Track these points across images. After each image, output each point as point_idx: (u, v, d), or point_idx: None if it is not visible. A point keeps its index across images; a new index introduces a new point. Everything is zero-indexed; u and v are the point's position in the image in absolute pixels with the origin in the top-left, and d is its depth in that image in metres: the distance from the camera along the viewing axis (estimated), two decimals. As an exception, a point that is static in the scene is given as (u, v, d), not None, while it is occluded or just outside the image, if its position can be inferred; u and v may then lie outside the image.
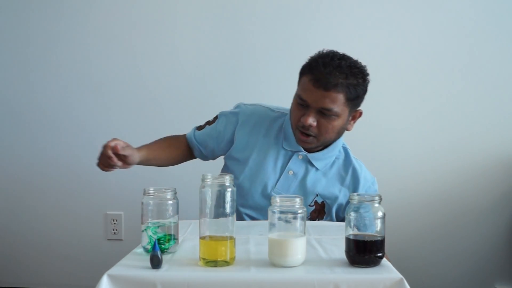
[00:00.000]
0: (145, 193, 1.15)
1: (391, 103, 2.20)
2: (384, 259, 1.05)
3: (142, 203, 1.15)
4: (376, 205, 1.05)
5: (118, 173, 2.28)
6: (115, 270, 1.01)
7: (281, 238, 1.02)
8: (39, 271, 2.32)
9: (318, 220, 1.55)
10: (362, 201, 1.05)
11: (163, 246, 1.13)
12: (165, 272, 1.00)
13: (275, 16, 2.21)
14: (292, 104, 1.49)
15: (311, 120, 1.41)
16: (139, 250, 1.17)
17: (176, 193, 1.18)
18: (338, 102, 1.40)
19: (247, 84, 2.21)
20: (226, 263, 1.03)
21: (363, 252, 1.02)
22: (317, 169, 1.53)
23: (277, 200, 1.05)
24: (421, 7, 2.18)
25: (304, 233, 1.04)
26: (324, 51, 1.46)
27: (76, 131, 2.28)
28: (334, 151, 1.54)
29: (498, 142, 2.18)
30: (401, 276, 0.96)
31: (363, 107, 2.25)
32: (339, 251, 1.12)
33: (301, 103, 1.44)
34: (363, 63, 1.48)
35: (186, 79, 2.23)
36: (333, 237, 1.29)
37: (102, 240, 2.29)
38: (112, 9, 2.25)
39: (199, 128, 1.62)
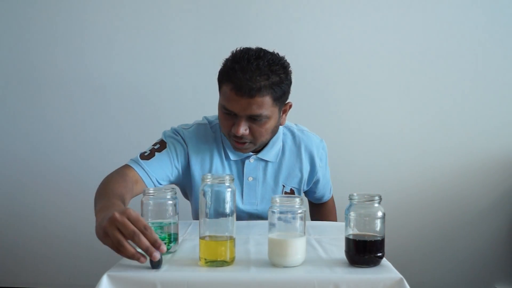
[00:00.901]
0: (145, 193, 1.15)
1: (391, 103, 2.20)
2: (384, 259, 1.05)
3: (142, 203, 1.15)
4: (376, 205, 1.05)
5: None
6: (115, 270, 1.01)
7: (281, 238, 1.02)
8: (39, 271, 2.32)
9: None
10: (362, 201, 1.05)
11: (163, 246, 1.13)
12: (165, 272, 1.00)
13: (275, 16, 2.21)
14: (219, 113, 1.41)
15: (243, 130, 1.35)
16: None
17: (176, 193, 1.18)
18: (265, 105, 1.33)
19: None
20: (226, 263, 1.03)
21: (363, 252, 1.02)
22: (271, 162, 1.52)
23: (277, 200, 1.05)
24: (421, 8, 2.18)
25: (304, 233, 1.04)
26: (238, 51, 1.37)
27: (76, 131, 2.29)
28: (278, 140, 1.52)
29: (498, 142, 2.18)
30: (401, 276, 0.96)
31: (364, 107, 2.26)
32: (339, 251, 1.12)
33: (227, 113, 1.37)
34: (281, 54, 1.40)
35: (186, 79, 2.23)
36: (333, 237, 1.29)
37: (102, 240, 2.29)
38: (112, 9, 2.25)
39: (146, 157, 1.43)
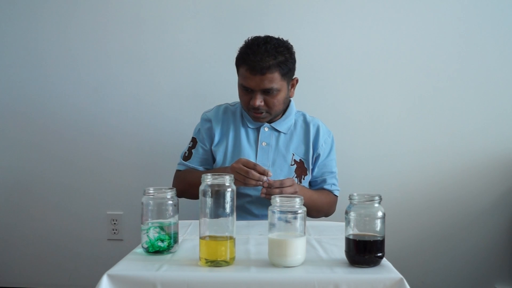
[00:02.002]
0: (145, 193, 1.15)
1: (391, 103, 2.20)
2: (384, 259, 1.05)
3: (142, 203, 1.15)
4: (376, 205, 1.05)
5: (118, 173, 2.29)
6: (115, 270, 1.01)
7: (281, 238, 1.02)
8: (39, 271, 2.32)
9: (304, 178, 1.74)
10: (362, 201, 1.05)
11: (163, 246, 1.13)
12: (165, 272, 1.00)
13: (275, 16, 2.21)
14: (239, 91, 1.71)
15: (259, 101, 1.63)
16: (139, 250, 1.17)
17: (176, 193, 1.18)
18: (275, 80, 1.62)
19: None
20: (226, 263, 1.03)
21: (363, 252, 1.02)
22: (284, 133, 1.76)
23: (277, 200, 1.05)
24: (421, 6, 2.18)
25: (304, 233, 1.04)
26: (249, 39, 1.68)
27: (77, 131, 2.28)
28: (291, 115, 1.78)
29: (498, 142, 2.18)
30: (401, 276, 0.96)
31: (364, 107, 2.26)
32: (339, 251, 1.12)
33: (245, 89, 1.66)
34: (285, 39, 1.71)
35: (187, 79, 2.23)
36: (333, 237, 1.29)
37: (102, 240, 2.29)
38: (113, 9, 2.25)
39: (187, 158, 1.79)
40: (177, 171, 1.81)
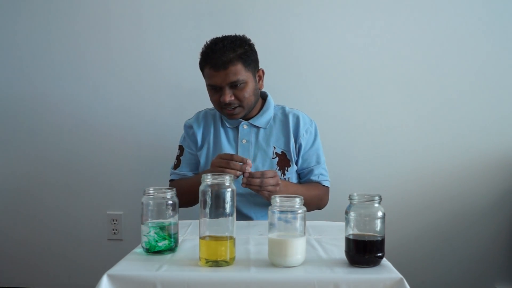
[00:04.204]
0: (145, 193, 1.15)
1: (391, 103, 2.20)
2: (384, 258, 1.05)
3: (142, 203, 1.15)
4: (376, 205, 1.05)
5: (118, 173, 2.29)
6: (115, 270, 1.01)
7: (281, 238, 1.02)
8: (39, 271, 2.32)
9: (287, 170, 1.74)
10: (362, 201, 1.05)
11: (163, 246, 1.13)
12: (165, 272, 1.00)
13: (275, 16, 2.21)
14: (208, 93, 1.73)
15: (228, 97, 1.64)
16: (139, 250, 1.17)
17: (176, 193, 1.18)
18: (240, 72, 1.64)
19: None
20: (226, 263, 1.03)
21: (363, 252, 1.02)
22: (263, 128, 1.77)
23: (277, 200, 1.05)
24: (421, 6, 2.18)
25: (304, 233, 1.04)
26: (207, 42, 1.71)
27: (77, 131, 2.28)
28: (269, 110, 1.79)
29: (498, 142, 2.18)
30: (401, 276, 0.96)
31: (364, 107, 2.26)
32: (339, 251, 1.12)
33: (214, 88, 1.68)
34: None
35: (187, 79, 2.23)
36: (333, 237, 1.29)
37: (102, 240, 2.29)
38: (113, 9, 2.25)
39: (176, 166, 1.83)
40: (170, 181, 1.84)
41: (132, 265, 1.06)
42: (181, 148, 1.84)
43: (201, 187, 1.06)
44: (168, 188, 1.17)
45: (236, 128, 1.78)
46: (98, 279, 0.98)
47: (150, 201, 1.15)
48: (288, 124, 1.77)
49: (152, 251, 1.13)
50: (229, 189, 1.05)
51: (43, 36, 2.28)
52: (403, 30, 2.18)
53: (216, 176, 1.05)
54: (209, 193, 1.04)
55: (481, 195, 2.18)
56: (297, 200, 1.04)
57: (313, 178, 1.77)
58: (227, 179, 1.05)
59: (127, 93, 2.26)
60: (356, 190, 1.11)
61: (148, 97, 2.25)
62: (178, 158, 1.84)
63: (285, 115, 1.79)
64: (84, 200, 2.30)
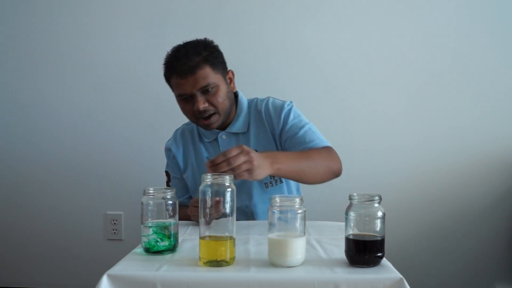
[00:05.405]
0: (145, 193, 1.15)
1: (391, 103, 2.20)
2: (384, 258, 1.05)
3: (142, 203, 1.15)
4: (376, 205, 1.04)
5: (118, 173, 2.29)
6: (115, 270, 1.01)
7: (281, 238, 1.02)
8: (39, 271, 2.32)
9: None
10: (362, 201, 1.05)
11: (163, 246, 1.13)
12: (165, 272, 1.00)
13: (275, 16, 2.21)
14: (180, 105, 1.61)
15: (202, 103, 1.53)
16: (139, 250, 1.17)
17: (176, 193, 1.18)
18: (209, 75, 1.52)
19: (247, 83, 2.21)
20: (226, 263, 1.03)
21: (363, 252, 1.02)
22: (241, 133, 1.65)
23: (277, 200, 1.05)
24: (422, 7, 2.18)
25: (304, 233, 1.04)
26: (168, 53, 1.59)
27: (76, 131, 2.28)
28: (243, 112, 1.67)
29: (498, 142, 2.18)
30: (401, 276, 0.96)
31: (364, 107, 2.26)
32: (339, 251, 1.12)
33: (185, 98, 1.56)
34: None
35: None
36: (333, 237, 1.29)
37: (102, 240, 2.30)
38: (113, 9, 2.25)
39: None
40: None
41: (132, 265, 1.06)
42: (167, 174, 1.76)
43: (201, 187, 1.06)
44: (168, 188, 1.17)
45: (215, 141, 1.66)
46: (98, 279, 0.97)
47: (150, 201, 1.15)
48: (262, 118, 1.64)
49: (152, 251, 1.13)
50: (229, 189, 1.04)
51: (43, 36, 2.28)
52: (405, 30, 2.18)
53: (216, 176, 1.05)
54: (209, 193, 1.04)
55: (481, 195, 2.18)
56: (297, 200, 1.04)
57: (315, 143, 1.55)
58: (227, 179, 1.05)
59: (127, 93, 2.26)
60: (356, 190, 1.11)
61: (149, 96, 2.25)
62: (167, 184, 1.75)
63: (258, 111, 1.67)
64: (84, 200, 2.30)
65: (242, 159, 1.20)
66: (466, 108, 2.18)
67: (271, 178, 1.63)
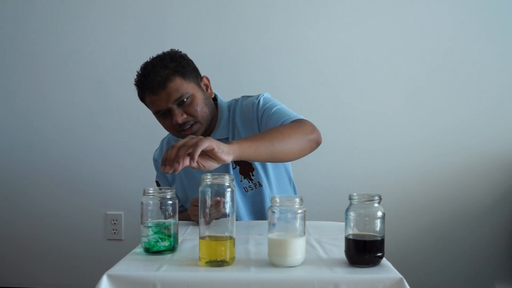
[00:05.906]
0: (145, 193, 1.15)
1: (391, 103, 2.20)
2: (384, 258, 1.05)
3: (142, 203, 1.15)
4: (376, 205, 1.04)
5: (118, 173, 2.29)
6: (115, 270, 1.01)
7: (281, 238, 1.02)
8: (39, 271, 2.32)
9: (253, 174, 1.59)
10: (361, 201, 1.05)
11: (162, 246, 1.13)
12: (165, 272, 1.00)
13: (275, 16, 2.21)
14: (159, 121, 1.58)
15: (180, 116, 1.49)
16: (139, 250, 1.17)
17: (176, 193, 1.18)
18: (180, 86, 1.48)
19: (247, 83, 2.22)
20: (226, 263, 1.03)
21: (363, 252, 1.02)
22: (225, 138, 1.58)
23: (277, 200, 1.05)
24: (421, 7, 2.18)
25: (304, 233, 1.04)
26: (137, 73, 1.55)
27: (76, 131, 2.29)
28: (223, 118, 1.61)
29: (498, 142, 2.18)
30: (401, 276, 0.96)
31: (364, 107, 2.26)
32: (339, 251, 1.12)
33: (162, 114, 1.53)
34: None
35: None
36: (332, 237, 1.29)
37: (102, 240, 2.30)
38: (113, 9, 2.25)
39: None
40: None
41: (132, 265, 1.06)
42: (158, 185, 1.74)
43: (201, 187, 1.05)
44: (168, 188, 1.17)
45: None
46: (98, 279, 0.97)
47: (150, 201, 1.15)
48: (239, 119, 1.59)
49: (152, 251, 1.13)
50: (229, 189, 1.04)
51: (42, 36, 2.28)
52: (405, 30, 2.18)
53: (216, 176, 1.05)
54: (209, 193, 1.04)
55: (481, 195, 2.18)
56: (297, 200, 1.04)
57: (278, 124, 1.47)
58: (227, 179, 1.05)
59: (127, 93, 2.26)
60: (355, 190, 1.11)
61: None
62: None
63: (237, 111, 1.61)
64: (84, 200, 2.30)
65: (188, 139, 1.15)
66: (466, 108, 2.18)
67: (249, 182, 1.60)
